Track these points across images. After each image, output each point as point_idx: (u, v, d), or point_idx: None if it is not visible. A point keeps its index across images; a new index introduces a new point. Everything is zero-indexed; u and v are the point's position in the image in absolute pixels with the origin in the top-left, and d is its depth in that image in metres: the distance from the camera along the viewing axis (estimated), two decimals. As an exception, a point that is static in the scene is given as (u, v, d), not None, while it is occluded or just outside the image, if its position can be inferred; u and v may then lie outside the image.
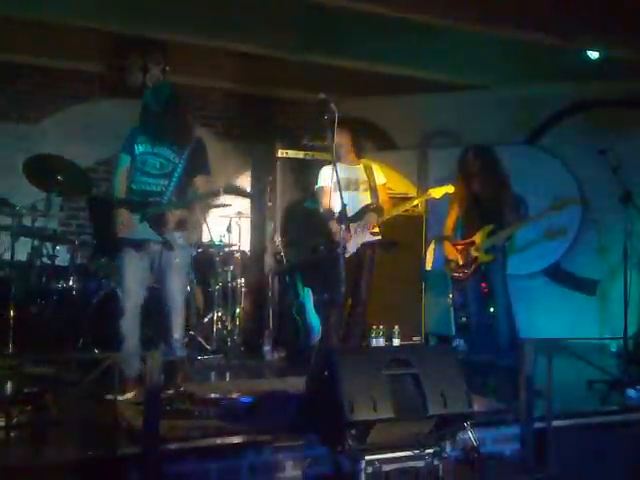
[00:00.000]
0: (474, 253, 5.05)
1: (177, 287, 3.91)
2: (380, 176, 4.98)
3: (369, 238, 4.77)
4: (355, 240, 4.69)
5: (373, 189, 4.87)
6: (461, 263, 5.10)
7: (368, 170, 4.92)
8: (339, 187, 4.13)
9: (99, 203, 4.46)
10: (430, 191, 5.02)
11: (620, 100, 6.46)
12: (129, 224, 3.80)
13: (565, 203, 5.20)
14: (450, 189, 4.95)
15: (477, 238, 5.05)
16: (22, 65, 6.23)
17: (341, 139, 4.80)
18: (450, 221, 5.26)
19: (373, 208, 4.80)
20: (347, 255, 4.46)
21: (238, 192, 3.99)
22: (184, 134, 3.91)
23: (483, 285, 5.23)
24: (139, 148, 3.89)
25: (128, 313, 3.84)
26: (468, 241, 5.10)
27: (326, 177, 4.73)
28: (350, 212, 4.51)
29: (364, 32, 5.56)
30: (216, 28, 5.62)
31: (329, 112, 3.95)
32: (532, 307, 6.33)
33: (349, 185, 4.84)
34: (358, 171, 4.91)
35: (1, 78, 6.16)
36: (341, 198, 4.13)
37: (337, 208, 4.37)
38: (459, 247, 5.15)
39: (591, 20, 5.18)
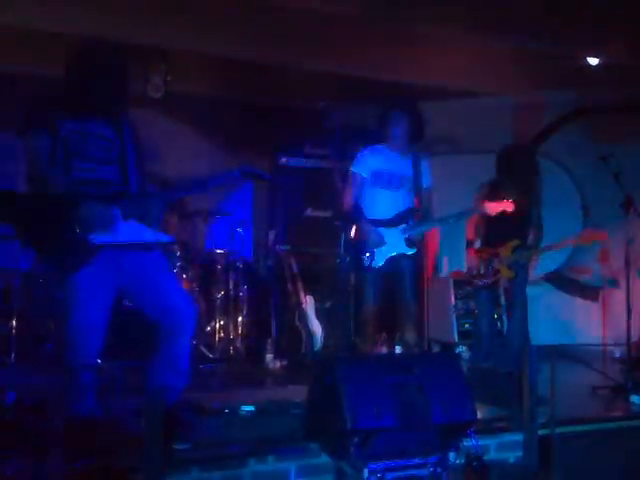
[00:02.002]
0: (497, 265, 4.90)
1: (184, 296, 3.14)
2: (428, 177, 4.31)
3: (401, 250, 4.16)
4: (387, 249, 4.13)
5: (419, 190, 4.18)
6: (482, 272, 4.99)
7: (417, 167, 4.22)
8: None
9: (32, 199, 3.02)
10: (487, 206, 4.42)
11: (621, 106, 6.47)
12: (105, 223, 2.89)
13: (594, 238, 5.10)
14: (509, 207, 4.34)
15: (502, 251, 4.89)
16: (22, 75, 6.23)
17: (398, 126, 4.20)
18: (472, 225, 5.11)
19: (417, 213, 4.17)
20: (376, 266, 4.09)
21: (254, 175, 3.32)
22: (121, 101, 3.08)
23: (496, 294, 5.15)
24: (66, 126, 2.93)
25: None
26: (492, 251, 4.95)
27: (364, 163, 4.19)
28: (386, 214, 4.13)
29: (364, 39, 5.58)
30: (218, 36, 5.64)
31: (330, 120, 3.94)
32: (535, 314, 6.32)
33: (390, 181, 4.18)
34: (405, 166, 4.21)
35: (1, 88, 6.16)
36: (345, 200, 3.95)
37: (370, 205, 4.08)
38: (483, 255, 5.00)
39: (590, 26, 5.19)
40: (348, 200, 4.21)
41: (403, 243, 4.12)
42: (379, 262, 4.09)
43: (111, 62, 3.09)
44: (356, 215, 4.09)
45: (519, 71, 6.17)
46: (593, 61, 5.64)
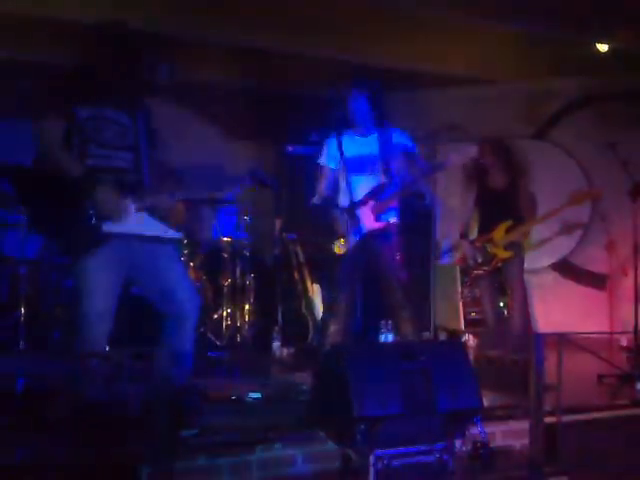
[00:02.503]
0: (493, 250, 4.95)
1: (190, 287, 3.21)
2: (405, 143, 4.12)
3: (370, 226, 4.00)
4: (359, 229, 3.97)
5: (388, 169, 4.01)
6: (480, 261, 5.04)
7: (386, 140, 4.04)
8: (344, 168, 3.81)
9: (49, 183, 2.97)
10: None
11: (629, 93, 6.42)
12: (119, 212, 2.94)
13: (587, 196, 5.13)
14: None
15: (495, 235, 4.95)
16: (24, 62, 6.19)
17: (356, 107, 4.04)
18: (466, 217, 5.18)
19: (383, 187, 4.01)
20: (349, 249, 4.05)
21: (261, 181, 3.30)
22: (135, 87, 3.10)
23: (499, 281, 5.17)
24: (82, 112, 2.95)
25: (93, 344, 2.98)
26: (486, 238, 5.02)
27: (328, 154, 4.12)
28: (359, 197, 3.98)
29: (371, 28, 5.55)
30: (225, 24, 5.63)
31: (337, 108, 3.91)
32: (541, 301, 6.32)
33: (363, 165, 4.06)
34: (372, 144, 4.07)
35: (3, 76, 6.13)
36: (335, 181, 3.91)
37: (349, 192, 3.97)
38: (477, 244, 5.06)
39: (600, 12, 5.14)
40: (320, 193, 4.16)
41: (372, 219, 4.01)
42: (351, 244, 4.02)
43: (126, 48, 3.09)
44: (327, 206, 4.05)
45: (527, 58, 6.14)
46: (602, 47, 5.59)
